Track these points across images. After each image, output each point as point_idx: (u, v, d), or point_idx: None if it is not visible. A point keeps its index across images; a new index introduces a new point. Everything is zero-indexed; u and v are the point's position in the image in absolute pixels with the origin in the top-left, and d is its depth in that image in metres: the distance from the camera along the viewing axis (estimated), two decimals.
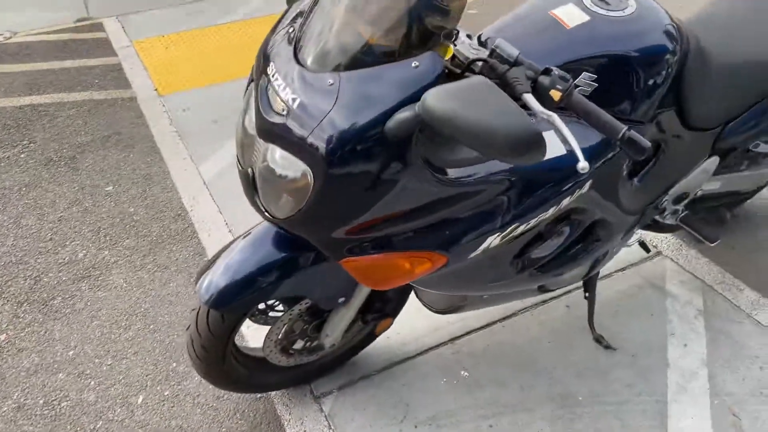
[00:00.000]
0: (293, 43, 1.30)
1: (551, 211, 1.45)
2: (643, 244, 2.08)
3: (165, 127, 3.41)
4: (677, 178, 1.84)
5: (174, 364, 2.12)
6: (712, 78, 1.69)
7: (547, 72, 1.19)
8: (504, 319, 2.18)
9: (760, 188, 2.38)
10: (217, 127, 3.40)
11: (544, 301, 2.23)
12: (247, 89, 1.45)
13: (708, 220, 2.15)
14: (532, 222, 1.44)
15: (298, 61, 1.26)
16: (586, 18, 1.44)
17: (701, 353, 2.02)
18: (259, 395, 1.99)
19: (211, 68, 3.97)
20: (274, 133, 1.26)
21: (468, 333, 2.14)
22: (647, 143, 1.15)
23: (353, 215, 1.28)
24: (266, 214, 1.38)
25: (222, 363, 1.70)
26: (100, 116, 3.56)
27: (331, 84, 1.19)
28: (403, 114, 1.12)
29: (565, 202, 1.46)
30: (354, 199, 1.25)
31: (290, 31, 1.33)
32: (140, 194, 2.93)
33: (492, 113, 0.97)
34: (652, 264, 2.37)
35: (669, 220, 2.04)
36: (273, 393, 1.98)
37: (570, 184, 1.42)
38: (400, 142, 1.17)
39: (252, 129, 1.36)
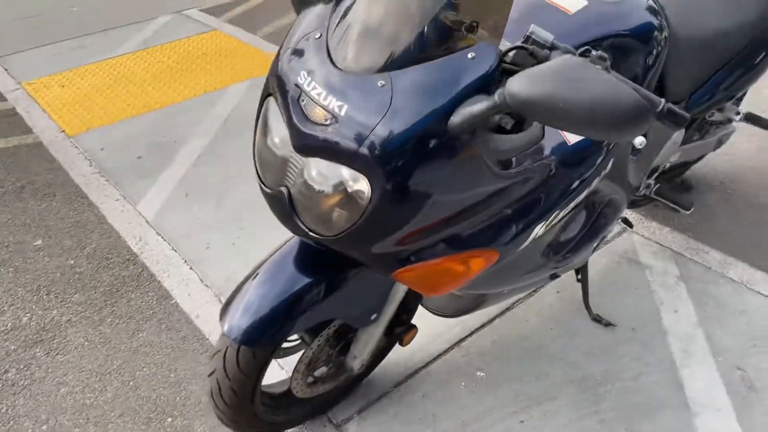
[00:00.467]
0: (325, 49, 1.22)
1: (585, 193, 1.46)
2: (626, 221, 2.16)
3: (85, 170, 3.14)
4: (658, 152, 1.93)
5: (169, 419, 1.94)
6: (680, 51, 1.78)
7: (586, 53, 1.19)
8: (501, 314, 2.18)
9: (702, 156, 2.55)
10: (143, 162, 3.18)
11: (535, 291, 2.26)
12: (261, 107, 1.35)
13: (677, 189, 2.27)
14: (570, 206, 1.45)
15: (336, 66, 1.19)
16: (584, 3, 1.47)
17: (692, 316, 2.13)
18: None
19: (116, 103, 3.72)
20: (318, 146, 1.18)
21: (471, 333, 2.12)
22: (686, 114, 1.18)
23: (413, 222, 1.22)
24: (310, 233, 1.29)
25: (251, 405, 1.57)
26: (6, 166, 3.22)
27: (383, 85, 1.14)
28: (473, 107, 1.08)
29: (595, 182, 1.48)
30: (415, 204, 1.19)
31: (317, 37, 1.25)
32: (77, 244, 2.67)
33: (595, 90, 0.96)
34: (622, 240, 2.47)
35: (643, 194, 2.13)
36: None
37: (600, 163, 1.44)
38: (462, 137, 1.14)
39: (281, 147, 1.28)
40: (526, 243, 1.40)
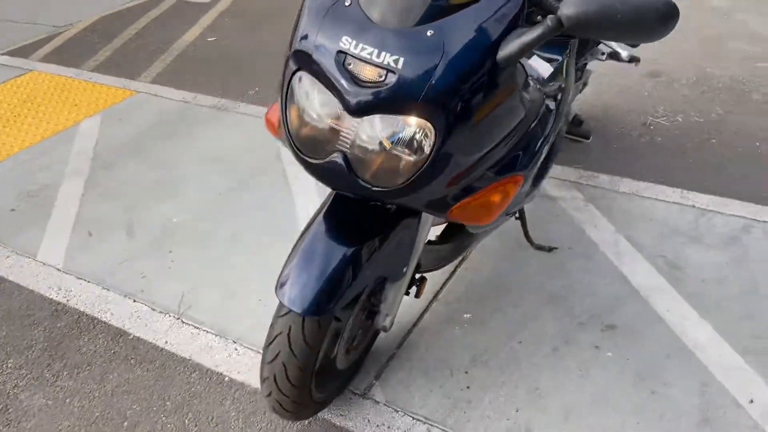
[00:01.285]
0: (362, 13, 1.32)
1: (562, 119, 1.72)
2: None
3: None
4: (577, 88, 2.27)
5: None
6: None
7: None
8: (460, 265, 2.39)
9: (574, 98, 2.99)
10: (19, 214, 2.89)
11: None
12: (286, 92, 1.41)
13: (575, 122, 2.65)
14: (556, 130, 1.70)
15: (379, 26, 1.30)
16: None
17: (609, 227, 2.52)
18: (306, 421, 1.88)
19: None
20: (375, 103, 1.28)
21: (442, 287, 2.30)
22: None
23: (469, 157, 1.38)
24: (374, 189, 1.37)
25: (311, 384, 1.61)
26: None
27: (432, 34, 1.27)
28: (524, 37, 1.26)
29: (569, 103, 1.74)
30: (472, 140, 1.35)
31: (347, 4, 1.35)
32: None
33: None
34: None
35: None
36: (319, 416, 1.89)
37: (570, 90, 1.70)
38: (508, 68, 1.32)
39: (326, 117, 1.35)
40: (538, 165, 1.62)
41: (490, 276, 2.33)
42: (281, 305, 1.54)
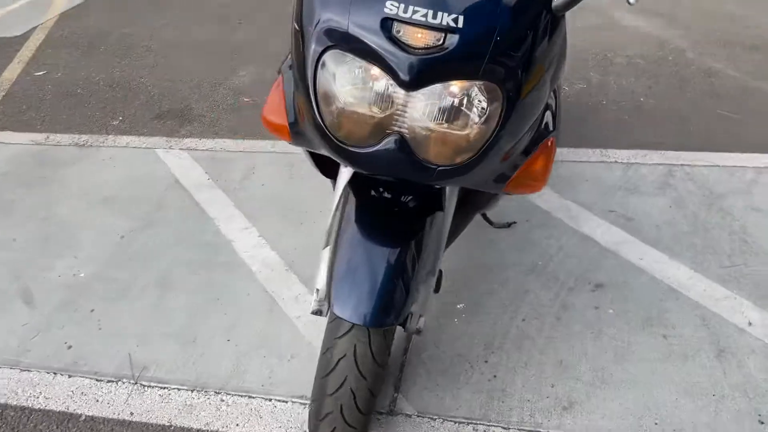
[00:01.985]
0: None
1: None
2: None
3: None
4: None
5: None
6: None
7: None
8: None
9: None
10: None
11: None
12: (313, 74, 1.23)
13: None
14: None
15: None
16: None
17: (554, 194, 2.56)
18: None
19: None
20: (433, 72, 1.16)
21: None
22: None
23: (532, 119, 1.29)
24: (438, 170, 1.24)
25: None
26: None
27: None
28: None
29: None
30: (537, 95, 1.26)
31: None
32: None
33: None
34: None
35: None
36: None
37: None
38: (561, 17, 1.25)
39: (372, 100, 1.20)
40: (558, 120, 1.57)
41: (465, 263, 2.26)
42: (336, 326, 1.34)
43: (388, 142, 1.22)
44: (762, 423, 1.68)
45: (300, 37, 1.27)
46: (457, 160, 1.23)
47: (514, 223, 2.42)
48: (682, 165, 2.68)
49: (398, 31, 1.16)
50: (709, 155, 2.73)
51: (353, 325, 1.32)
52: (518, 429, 1.71)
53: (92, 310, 2.18)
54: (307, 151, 1.57)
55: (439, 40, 1.14)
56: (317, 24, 1.21)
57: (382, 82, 1.18)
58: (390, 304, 1.31)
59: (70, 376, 1.95)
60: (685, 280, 2.12)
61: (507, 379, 1.83)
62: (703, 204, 2.44)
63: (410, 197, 1.48)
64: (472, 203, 1.65)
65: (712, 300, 2.04)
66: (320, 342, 1.51)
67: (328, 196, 2.42)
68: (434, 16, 1.14)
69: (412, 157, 1.22)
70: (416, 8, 1.15)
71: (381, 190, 1.48)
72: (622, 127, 3.02)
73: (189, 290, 2.23)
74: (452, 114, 1.19)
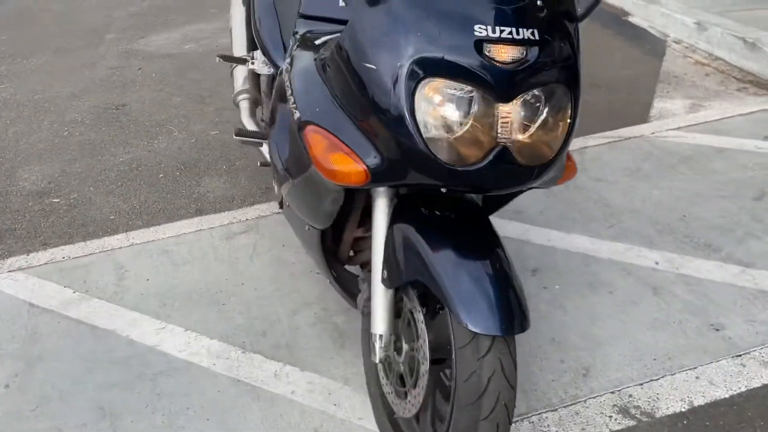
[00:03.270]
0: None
1: None
2: None
3: None
4: None
5: None
6: None
7: None
8: None
9: None
10: None
11: None
12: (410, 105, 1.27)
13: None
14: None
15: (502, 4, 1.29)
16: None
17: None
18: None
19: None
20: (526, 81, 1.29)
21: None
22: None
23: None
24: (535, 172, 1.36)
25: None
26: None
27: (540, 2, 1.34)
28: None
29: None
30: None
31: None
32: None
33: None
34: None
35: None
36: None
37: None
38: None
39: (474, 119, 1.29)
40: None
41: None
42: (474, 348, 1.35)
43: (494, 156, 1.30)
44: (717, 330, 2.09)
45: (378, 76, 1.29)
46: (548, 159, 1.37)
47: None
48: None
49: (489, 51, 1.26)
50: None
51: (493, 340, 1.35)
52: (563, 407, 1.86)
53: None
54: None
55: (522, 53, 1.28)
56: (408, 58, 1.26)
57: (481, 99, 1.28)
58: (518, 305, 1.37)
59: None
60: (589, 245, 2.51)
61: (523, 370, 1.98)
62: (561, 186, 2.89)
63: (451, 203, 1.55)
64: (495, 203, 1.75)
65: (619, 254, 2.45)
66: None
67: (234, 269, 2.32)
68: (518, 33, 1.27)
69: (515, 166, 1.33)
70: (502, 27, 1.27)
71: (430, 206, 1.53)
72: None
73: (142, 412, 1.93)
74: (542, 117, 1.33)
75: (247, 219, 2.83)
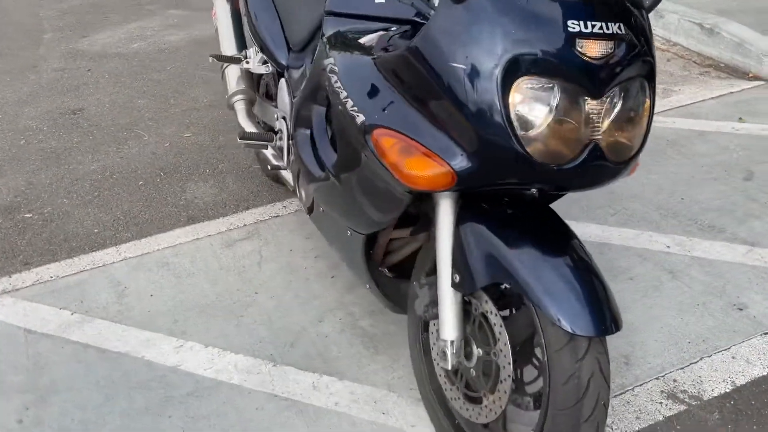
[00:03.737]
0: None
1: None
2: None
3: None
4: None
5: None
6: None
7: None
8: None
9: None
10: None
11: None
12: (503, 105, 1.24)
13: None
14: None
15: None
16: None
17: None
18: None
19: None
20: (617, 75, 1.28)
21: None
22: None
23: None
24: (621, 167, 1.35)
25: None
26: None
27: None
28: None
29: None
30: None
31: None
32: None
33: None
34: None
35: None
36: None
37: None
38: None
39: (569, 115, 1.27)
40: None
41: None
42: (572, 350, 1.33)
43: (588, 153, 1.29)
44: (741, 309, 2.16)
45: (468, 76, 1.25)
46: (632, 153, 1.37)
47: None
48: None
49: (581, 46, 1.25)
50: None
51: (590, 340, 1.34)
52: (614, 397, 1.87)
53: None
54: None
55: (610, 47, 1.27)
56: (502, 56, 1.23)
57: (576, 96, 1.26)
58: (607, 302, 1.36)
59: None
60: (600, 233, 2.55)
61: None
62: None
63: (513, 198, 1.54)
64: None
65: (631, 240, 2.50)
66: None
67: (243, 278, 2.24)
68: (607, 27, 1.26)
69: (605, 162, 1.32)
70: (593, 22, 1.25)
71: (492, 203, 1.51)
72: None
73: None
74: (627, 111, 1.32)
75: (245, 224, 2.72)
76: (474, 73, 1.25)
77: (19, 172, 3.21)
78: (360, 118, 1.48)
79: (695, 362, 1.98)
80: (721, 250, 2.43)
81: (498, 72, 1.23)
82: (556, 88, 1.25)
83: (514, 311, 1.56)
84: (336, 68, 1.62)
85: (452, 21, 1.28)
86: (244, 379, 2.00)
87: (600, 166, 1.32)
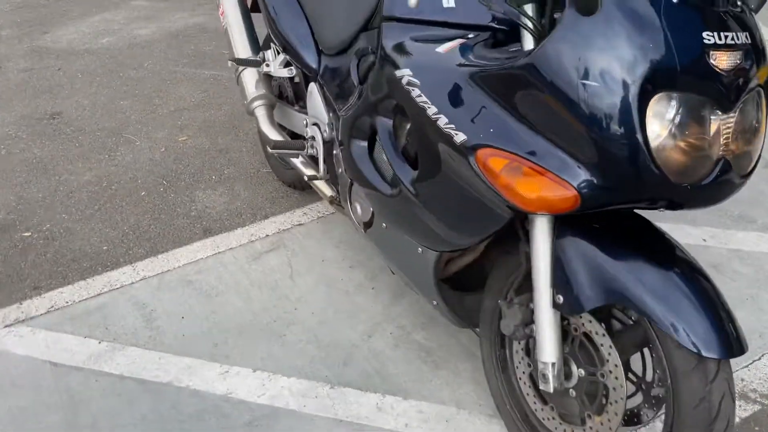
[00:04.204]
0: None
1: None
2: None
3: None
4: None
5: None
6: None
7: None
8: None
9: None
10: None
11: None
12: (640, 122, 1.19)
13: None
14: None
15: (714, 6, 1.22)
16: None
17: None
18: None
19: None
20: (746, 87, 1.25)
21: None
22: None
23: None
24: (744, 180, 1.32)
25: None
26: None
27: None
28: None
29: None
30: None
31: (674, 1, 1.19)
32: None
33: None
34: None
35: None
36: None
37: None
38: None
39: (702, 131, 1.22)
40: None
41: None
42: (702, 371, 1.30)
43: (719, 169, 1.25)
44: None
45: (601, 92, 1.19)
46: (752, 165, 1.33)
47: None
48: None
49: (714, 59, 1.20)
50: None
51: (719, 362, 1.31)
52: None
53: None
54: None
55: (739, 58, 1.23)
56: (639, 71, 1.17)
57: (712, 111, 1.22)
58: (731, 321, 1.33)
59: None
60: None
61: None
62: None
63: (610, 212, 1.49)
64: None
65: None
66: None
67: (278, 294, 2.14)
68: (737, 38, 1.22)
69: (732, 177, 1.28)
70: (726, 33, 1.21)
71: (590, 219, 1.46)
72: None
73: None
74: (753, 123, 1.29)
75: (267, 235, 2.61)
76: (607, 90, 1.19)
77: (6, 186, 3.00)
78: (460, 137, 1.39)
79: (757, 359, 1.99)
80: (757, 242, 2.45)
81: (634, 88, 1.18)
82: (691, 103, 1.21)
83: (615, 328, 1.52)
84: (416, 81, 1.52)
85: (581, 35, 1.21)
86: (302, 404, 1.91)
87: (728, 181, 1.28)
